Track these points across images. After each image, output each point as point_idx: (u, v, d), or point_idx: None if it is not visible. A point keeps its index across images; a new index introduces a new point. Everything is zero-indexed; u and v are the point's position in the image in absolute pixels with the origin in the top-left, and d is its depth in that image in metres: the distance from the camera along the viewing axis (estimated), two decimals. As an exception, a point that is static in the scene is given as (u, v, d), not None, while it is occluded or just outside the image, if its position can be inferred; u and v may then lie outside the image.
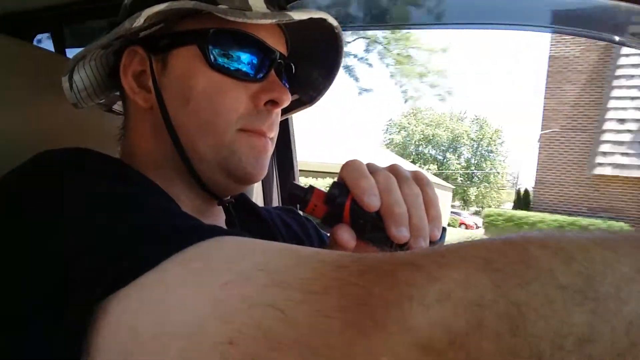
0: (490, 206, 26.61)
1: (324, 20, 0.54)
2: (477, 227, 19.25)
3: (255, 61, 0.51)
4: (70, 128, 0.68)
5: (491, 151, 34.52)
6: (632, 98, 10.36)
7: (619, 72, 10.69)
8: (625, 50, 10.20)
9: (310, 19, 0.51)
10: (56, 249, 0.32)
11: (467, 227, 19.90)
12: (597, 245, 0.25)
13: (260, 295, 0.28)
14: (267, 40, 0.52)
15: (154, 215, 0.36)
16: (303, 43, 0.58)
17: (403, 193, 0.44)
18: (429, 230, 0.44)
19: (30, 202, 0.36)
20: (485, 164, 34.28)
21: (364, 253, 0.30)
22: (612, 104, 10.59)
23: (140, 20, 0.46)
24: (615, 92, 10.59)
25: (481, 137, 34.73)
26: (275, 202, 1.18)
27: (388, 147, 34.24)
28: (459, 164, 34.56)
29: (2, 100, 0.62)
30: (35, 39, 0.89)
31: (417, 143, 35.28)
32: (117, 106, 0.64)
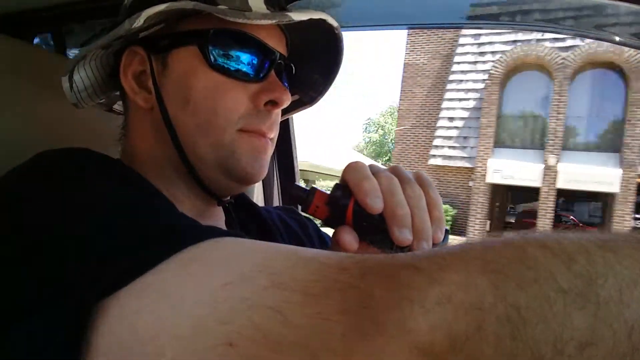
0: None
1: (323, 21, 0.54)
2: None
3: (255, 61, 0.51)
4: (70, 128, 0.68)
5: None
6: (460, 99, 12.90)
7: (451, 77, 13.26)
8: (457, 58, 13.15)
9: (310, 19, 0.51)
10: (55, 248, 0.32)
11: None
12: (598, 246, 0.25)
13: (260, 297, 0.27)
14: (267, 40, 0.52)
15: (154, 216, 0.36)
16: (303, 43, 0.58)
17: (406, 195, 0.44)
18: (431, 232, 0.44)
19: (30, 202, 0.36)
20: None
21: (365, 255, 0.30)
22: (444, 104, 13.18)
23: (140, 20, 0.46)
24: (447, 95, 13.19)
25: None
26: (276, 202, 1.18)
27: (367, 146, 35.91)
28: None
29: (2, 100, 0.62)
30: (35, 39, 0.89)
31: (392, 141, 35.95)
32: (118, 106, 0.63)
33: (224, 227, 0.59)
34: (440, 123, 13.06)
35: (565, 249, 0.25)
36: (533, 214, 12.22)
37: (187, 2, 0.47)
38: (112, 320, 0.29)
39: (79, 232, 0.33)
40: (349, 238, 0.45)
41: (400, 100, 14.96)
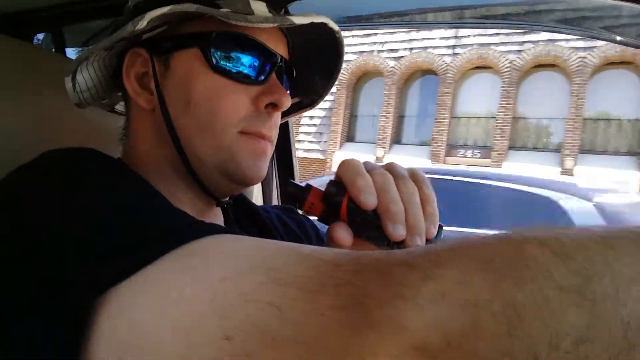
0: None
1: (325, 25, 0.54)
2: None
3: (256, 64, 0.52)
4: (70, 128, 0.68)
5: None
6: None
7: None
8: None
9: (311, 23, 0.52)
10: (54, 247, 0.32)
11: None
12: (597, 243, 0.25)
13: (257, 292, 0.28)
14: (269, 43, 0.52)
15: (154, 214, 0.36)
16: (304, 46, 0.58)
17: (399, 191, 0.44)
18: (425, 227, 0.45)
19: (30, 201, 0.37)
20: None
21: (361, 251, 0.30)
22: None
23: (143, 22, 0.46)
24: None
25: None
26: (275, 202, 1.18)
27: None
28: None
29: (2, 100, 0.62)
30: (34, 39, 0.89)
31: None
32: (120, 106, 0.64)
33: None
34: (303, 121, 14.64)
35: (564, 246, 0.24)
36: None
37: (190, 5, 0.47)
38: (112, 315, 0.29)
39: (78, 231, 0.33)
40: (343, 234, 0.45)
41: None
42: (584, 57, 9.81)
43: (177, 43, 0.51)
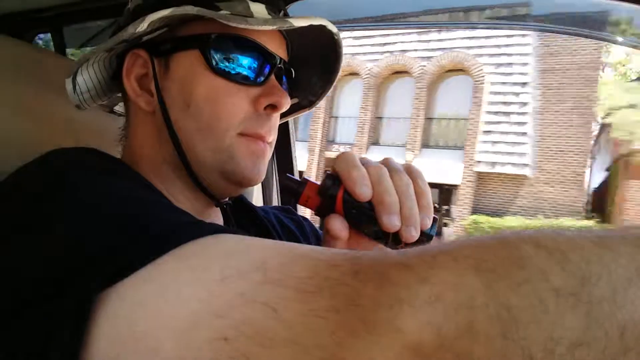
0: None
1: (323, 27, 0.55)
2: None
3: (256, 66, 0.52)
4: (69, 128, 0.68)
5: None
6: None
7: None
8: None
9: (310, 25, 0.52)
10: (58, 243, 0.32)
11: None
12: (594, 244, 0.24)
13: (254, 293, 0.28)
14: (268, 45, 0.52)
15: (154, 212, 0.36)
16: (303, 48, 0.58)
17: (394, 183, 0.45)
18: (420, 219, 0.45)
19: (37, 198, 0.37)
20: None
21: (359, 251, 0.30)
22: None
23: (143, 25, 0.47)
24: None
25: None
26: (275, 203, 1.18)
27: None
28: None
29: (2, 100, 0.62)
30: (35, 39, 0.90)
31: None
32: (119, 107, 0.64)
33: None
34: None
35: (560, 247, 0.24)
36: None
37: (190, 7, 0.47)
38: (112, 312, 0.29)
39: (79, 229, 0.33)
40: (339, 225, 0.46)
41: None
42: (424, 66, 11.49)
43: (177, 45, 0.51)
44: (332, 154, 12.39)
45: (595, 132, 12.12)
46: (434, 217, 0.47)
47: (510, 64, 10.57)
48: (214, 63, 0.49)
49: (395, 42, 12.13)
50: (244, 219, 0.65)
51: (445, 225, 10.27)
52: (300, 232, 0.71)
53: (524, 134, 10.35)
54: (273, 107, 0.52)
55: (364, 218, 0.45)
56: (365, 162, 0.46)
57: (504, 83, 10.57)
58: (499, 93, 10.72)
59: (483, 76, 10.60)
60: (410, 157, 11.08)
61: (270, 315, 0.26)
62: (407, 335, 0.23)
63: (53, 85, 0.63)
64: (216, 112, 0.49)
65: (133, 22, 0.48)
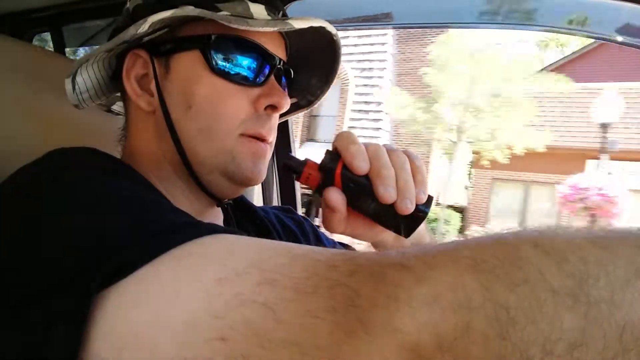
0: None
1: (323, 28, 0.55)
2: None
3: (256, 66, 0.52)
4: (69, 128, 0.68)
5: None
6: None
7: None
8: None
9: (310, 27, 0.52)
10: (57, 242, 0.32)
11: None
12: (592, 244, 0.24)
13: (252, 293, 0.28)
14: (268, 46, 0.53)
15: (154, 212, 0.36)
16: (303, 49, 0.59)
17: (391, 159, 0.47)
18: (415, 193, 0.46)
19: (36, 198, 0.37)
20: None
21: (356, 252, 0.30)
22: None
23: (145, 26, 0.47)
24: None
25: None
26: (275, 203, 1.18)
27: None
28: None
29: (1, 100, 0.62)
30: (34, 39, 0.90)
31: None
32: (116, 106, 0.64)
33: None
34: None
35: (558, 247, 0.24)
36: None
37: (191, 9, 0.48)
38: (111, 312, 0.29)
39: (79, 229, 0.33)
40: (336, 196, 0.47)
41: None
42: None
43: (177, 45, 0.51)
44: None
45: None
46: (429, 196, 0.48)
47: (371, 69, 11.54)
48: (214, 64, 0.49)
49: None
50: (244, 219, 0.65)
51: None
52: (300, 232, 0.71)
53: (380, 129, 11.31)
54: (273, 107, 0.52)
55: (362, 192, 0.46)
56: (364, 143, 0.48)
57: (365, 85, 11.61)
58: (362, 94, 11.63)
59: (348, 79, 11.44)
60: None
61: (269, 316, 0.26)
62: (405, 336, 0.23)
63: (52, 85, 0.63)
64: (217, 113, 0.50)
65: (134, 22, 0.48)
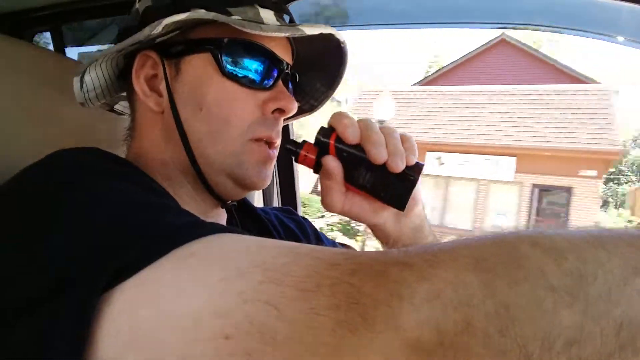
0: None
1: (331, 35, 0.56)
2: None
3: (265, 70, 0.53)
4: (68, 127, 0.68)
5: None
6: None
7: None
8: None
9: (320, 34, 0.53)
10: (60, 244, 0.32)
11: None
12: (590, 244, 0.25)
13: (255, 292, 0.28)
14: (276, 50, 0.54)
15: (157, 212, 0.36)
16: (309, 54, 0.60)
17: (381, 130, 0.50)
18: (405, 153, 0.49)
19: (38, 198, 0.37)
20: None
21: (358, 250, 0.30)
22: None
23: (159, 27, 0.47)
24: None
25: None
26: (275, 203, 1.19)
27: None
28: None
29: (1, 99, 0.62)
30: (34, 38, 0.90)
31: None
32: (119, 106, 0.64)
33: None
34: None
35: (557, 246, 0.25)
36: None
37: (206, 12, 0.48)
38: (116, 312, 0.29)
39: (83, 229, 0.33)
40: (334, 164, 0.51)
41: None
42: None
43: (189, 47, 0.52)
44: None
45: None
46: (420, 162, 0.51)
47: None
48: (225, 67, 0.50)
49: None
50: (245, 220, 0.66)
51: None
52: (300, 232, 0.72)
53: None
54: (281, 111, 0.53)
55: (356, 162, 0.50)
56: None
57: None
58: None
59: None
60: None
61: (272, 314, 0.27)
62: (406, 332, 0.23)
63: (51, 85, 0.63)
64: (227, 116, 0.51)
65: (144, 24, 0.49)
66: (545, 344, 0.22)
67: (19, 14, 0.79)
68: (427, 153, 10.15)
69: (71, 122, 0.67)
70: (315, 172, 0.53)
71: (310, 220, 0.77)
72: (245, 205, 0.68)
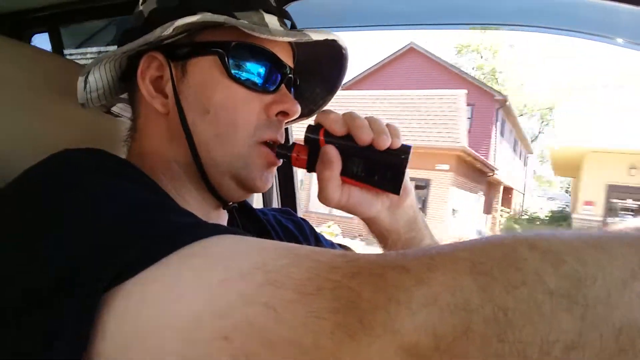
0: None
1: (334, 41, 0.56)
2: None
3: (269, 74, 0.54)
4: (67, 128, 0.67)
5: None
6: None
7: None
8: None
9: (325, 40, 0.54)
10: (61, 244, 0.32)
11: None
12: (589, 246, 0.25)
13: (255, 294, 0.28)
14: (280, 54, 0.55)
15: (159, 213, 0.36)
16: (309, 59, 0.60)
17: (365, 118, 0.53)
18: (390, 134, 0.51)
19: (40, 198, 0.37)
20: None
21: (357, 253, 0.31)
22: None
23: (169, 29, 0.48)
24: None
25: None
26: (275, 205, 1.19)
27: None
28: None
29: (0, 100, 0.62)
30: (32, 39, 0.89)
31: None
32: (116, 108, 0.64)
33: None
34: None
35: (555, 249, 0.24)
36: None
37: (218, 16, 0.49)
38: (118, 312, 0.30)
39: (86, 229, 0.33)
40: (333, 152, 0.52)
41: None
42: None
43: (195, 50, 0.52)
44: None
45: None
46: (408, 145, 0.53)
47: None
48: (231, 70, 0.51)
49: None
50: (245, 220, 0.66)
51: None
52: (299, 233, 0.72)
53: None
54: (285, 113, 0.54)
55: (346, 150, 0.52)
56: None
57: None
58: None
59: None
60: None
61: (271, 316, 0.27)
62: (403, 337, 0.23)
63: (50, 85, 0.63)
64: (233, 118, 0.51)
65: (149, 26, 0.49)
66: (544, 348, 0.21)
67: (16, 14, 0.78)
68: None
69: (69, 122, 0.67)
70: (310, 170, 0.54)
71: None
72: (244, 206, 0.68)
